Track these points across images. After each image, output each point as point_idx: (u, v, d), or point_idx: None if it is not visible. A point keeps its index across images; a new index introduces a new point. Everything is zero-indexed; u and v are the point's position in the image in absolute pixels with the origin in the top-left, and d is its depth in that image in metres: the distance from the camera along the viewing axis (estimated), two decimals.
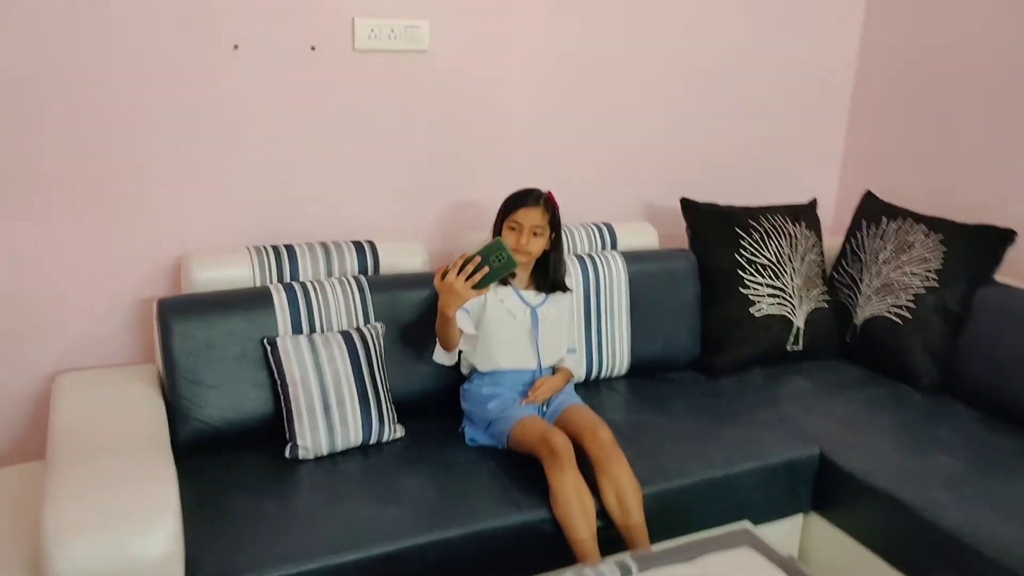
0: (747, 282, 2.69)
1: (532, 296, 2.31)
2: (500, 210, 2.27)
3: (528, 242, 2.21)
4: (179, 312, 2.10)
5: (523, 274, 2.32)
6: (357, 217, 2.51)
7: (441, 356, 2.25)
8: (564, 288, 2.36)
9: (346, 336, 2.18)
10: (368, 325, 2.24)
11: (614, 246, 2.70)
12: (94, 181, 2.19)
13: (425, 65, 2.50)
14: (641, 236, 2.77)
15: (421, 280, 2.35)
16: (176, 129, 2.25)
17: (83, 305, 2.26)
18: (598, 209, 2.84)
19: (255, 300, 2.17)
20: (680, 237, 2.85)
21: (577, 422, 2.13)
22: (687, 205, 2.80)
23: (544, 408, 2.26)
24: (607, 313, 2.57)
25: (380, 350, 2.22)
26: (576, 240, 2.65)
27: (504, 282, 2.27)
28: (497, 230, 2.27)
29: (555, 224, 2.28)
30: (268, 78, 2.32)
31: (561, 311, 2.36)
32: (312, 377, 2.10)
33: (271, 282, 2.25)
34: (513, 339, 2.28)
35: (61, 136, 2.13)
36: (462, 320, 2.17)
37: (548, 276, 2.32)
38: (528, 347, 2.29)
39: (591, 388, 2.56)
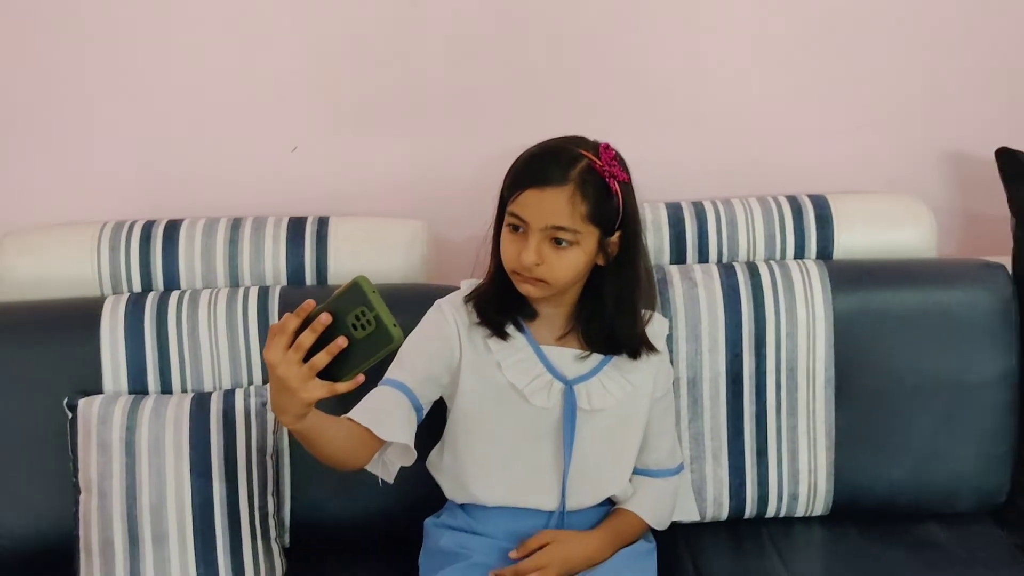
0: None
1: (569, 359, 1.09)
2: (502, 187, 1.06)
3: (541, 258, 1.00)
4: None
5: (552, 313, 1.09)
6: (316, 175, 1.42)
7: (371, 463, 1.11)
8: (640, 348, 1.09)
9: (198, 405, 1.16)
10: (255, 387, 1.21)
11: (824, 250, 1.31)
12: None
13: None
14: (894, 226, 1.34)
15: (400, 296, 1.18)
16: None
17: None
18: (807, 170, 1.42)
19: (71, 323, 1.24)
20: (988, 232, 1.35)
21: None
22: (1012, 160, 1.29)
23: None
24: (782, 390, 1.24)
25: (265, 434, 1.17)
26: (738, 234, 1.31)
27: (502, 327, 1.07)
28: (496, 230, 1.07)
29: (612, 216, 1.02)
30: None
31: (635, 394, 1.10)
32: (118, 481, 1.13)
33: (126, 289, 1.30)
34: (515, 445, 1.09)
35: None
36: (382, 416, 1.02)
37: (604, 321, 1.07)
38: (546, 464, 1.09)
39: (739, 534, 1.26)
